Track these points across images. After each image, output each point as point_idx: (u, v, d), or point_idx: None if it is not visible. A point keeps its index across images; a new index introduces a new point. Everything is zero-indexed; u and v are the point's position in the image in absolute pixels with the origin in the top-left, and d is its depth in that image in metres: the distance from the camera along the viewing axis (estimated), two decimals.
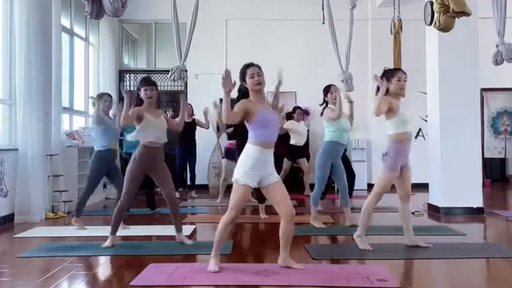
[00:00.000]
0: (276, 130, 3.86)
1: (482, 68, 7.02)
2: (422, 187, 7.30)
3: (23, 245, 5.00)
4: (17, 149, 6.37)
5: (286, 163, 8.54)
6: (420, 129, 9.73)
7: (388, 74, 4.58)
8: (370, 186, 9.75)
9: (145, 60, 11.45)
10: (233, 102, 3.73)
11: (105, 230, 4.96)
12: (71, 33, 8.65)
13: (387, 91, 4.50)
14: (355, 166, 7.79)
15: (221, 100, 3.96)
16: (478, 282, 3.84)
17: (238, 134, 6.36)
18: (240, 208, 3.83)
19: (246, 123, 3.80)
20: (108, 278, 3.96)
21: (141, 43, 11.78)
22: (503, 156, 11.02)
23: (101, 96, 5.83)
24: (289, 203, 3.81)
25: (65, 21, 8.30)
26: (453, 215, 6.66)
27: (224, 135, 8.55)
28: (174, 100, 9.71)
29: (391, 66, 7.49)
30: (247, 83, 3.82)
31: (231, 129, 7.42)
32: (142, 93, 4.74)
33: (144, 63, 11.52)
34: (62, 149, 7.30)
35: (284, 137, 7.76)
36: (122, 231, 5.06)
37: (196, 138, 8.99)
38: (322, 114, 5.87)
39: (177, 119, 5.13)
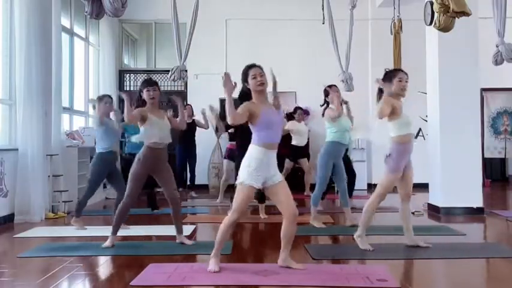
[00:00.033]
0: (279, 131, 3.86)
1: (482, 68, 7.02)
2: (422, 187, 7.28)
3: (23, 245, 4.99)
4: (17, 149, 6.36)
5: (288, 163, 8.55)
6: (420, 129, 9.72)
7: (389, 75, 4.58)
8: (370, 186, 9.76)
9: (145, 60, 11.45)
10: (235, 103, 3.72)
11: (105, 230, 4.96)
12: (71, 33, 8.64)
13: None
14: (355, 166, 7.78)
15: (221, 100, 3.96)
16: (478, 282, 3.84)
17: (238, 135, 6.36)
18: (244, 210, 3.83)
19: (249, 125, 3.79)
20: (108, 278, 3.96)
21: (141, 43, 11.77)
22: (503, 156, 11.02)
23: (101, 98, 5.81)
24: (292, 203, 3.80)
25: (65, 21, 8.30)
26: (453, 215, 6.65)
27: (225, 136, 8.54)
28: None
29: (391, 67, 7.51)
30: (249, 84, 3.81)
31: (232, 130, 7.40)
32: (145, 94, 4.73)
33: (144, 63, 11.52)
34: (62, 149, 7.30)
35: (286, 137, 7.76)
36: (122, 231, 5.06)
37: (196, 138, 9.00)
38: (323, 114, 5.88)
39: (178, 118, 5.12)
